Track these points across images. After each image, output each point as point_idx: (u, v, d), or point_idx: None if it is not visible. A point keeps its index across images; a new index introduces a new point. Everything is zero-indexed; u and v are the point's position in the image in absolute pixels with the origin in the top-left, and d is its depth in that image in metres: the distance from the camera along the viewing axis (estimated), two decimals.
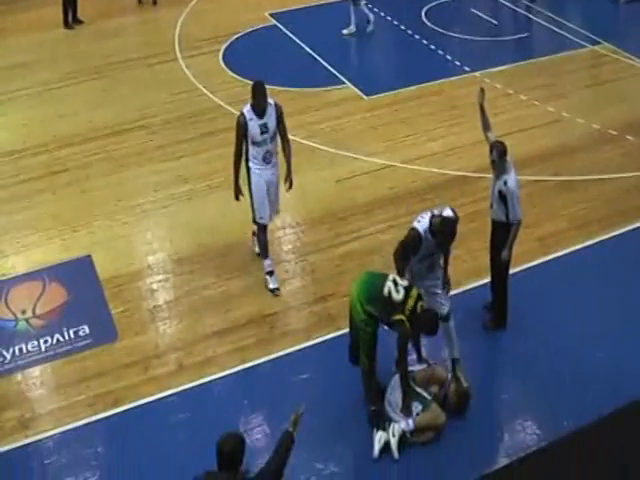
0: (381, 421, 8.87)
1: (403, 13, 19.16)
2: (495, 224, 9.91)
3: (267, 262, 11.03)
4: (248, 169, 10.58)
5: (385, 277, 8.79)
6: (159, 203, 12.83)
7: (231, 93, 15.85)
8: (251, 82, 10.62)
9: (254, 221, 10.96)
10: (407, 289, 8.68)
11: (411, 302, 8.61)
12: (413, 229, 9.01)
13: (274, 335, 10.35)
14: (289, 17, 19.01)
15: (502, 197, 9.58)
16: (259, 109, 10.35)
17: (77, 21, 18.93)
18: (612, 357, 9.81)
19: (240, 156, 10.56)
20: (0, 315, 10.81)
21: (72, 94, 16.05)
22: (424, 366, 9.41)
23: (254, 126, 10.35)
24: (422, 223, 8.99)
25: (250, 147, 10.46)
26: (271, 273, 11.02)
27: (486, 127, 9.98)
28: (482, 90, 9.98)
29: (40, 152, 14.18)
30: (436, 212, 9.02)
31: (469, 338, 9.82)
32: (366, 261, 9.65)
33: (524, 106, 15.28)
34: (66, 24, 18.90)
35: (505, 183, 9.52)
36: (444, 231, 8.93)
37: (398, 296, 8.60)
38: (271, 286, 10.95)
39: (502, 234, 9.76)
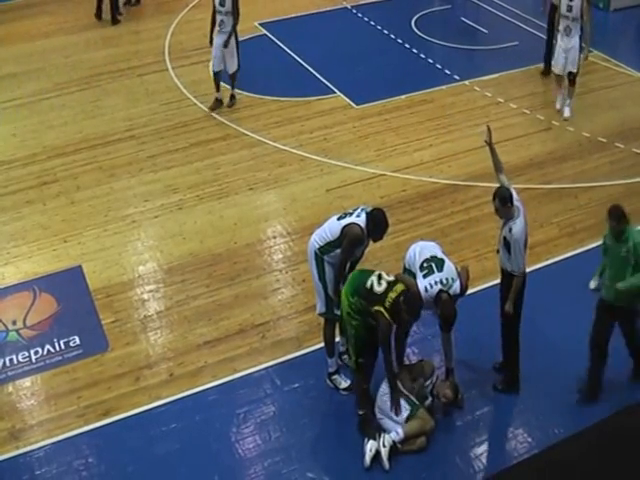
0: (370, 427, 8.88)
1: (393, 22, 19.18)
2: (503, 272, 9.19)
3: (330, 361, 9.72)
4: (322, 260, 9.28)
5: (371, 272, 8.88)
6: (149, 213, 12.81)
7: None
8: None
9: (325, 314, 9.58)
10: (391, 283, 8.69)
11: (393, 295, 8.59)
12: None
13: (265, 344, 10.34)
14: (279, 27, 18.98)
15: (506, 244, 8.87)
16: (374, 239, 9.31)
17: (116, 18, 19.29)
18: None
19: (345, 269, 9.43)
20: None
21: (62, 104, 16.00)
22: None
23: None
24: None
25: (338, 252, 9.21)
26: (337, 372, 9.75)
27: (497, 168, 9.20)
28: (489, 129, 9.23)
29: (30, 163, 14.13)
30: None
31: (459, 347, 9.82)
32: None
33: (514, 114, 15.30)
34: (113, 20, 19.26)
35: (510, 230, 8.79)
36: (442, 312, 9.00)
37: (379, 288, 8.63)
38: (342, 386, 9.68)
39: (507, 284, 9.09)
